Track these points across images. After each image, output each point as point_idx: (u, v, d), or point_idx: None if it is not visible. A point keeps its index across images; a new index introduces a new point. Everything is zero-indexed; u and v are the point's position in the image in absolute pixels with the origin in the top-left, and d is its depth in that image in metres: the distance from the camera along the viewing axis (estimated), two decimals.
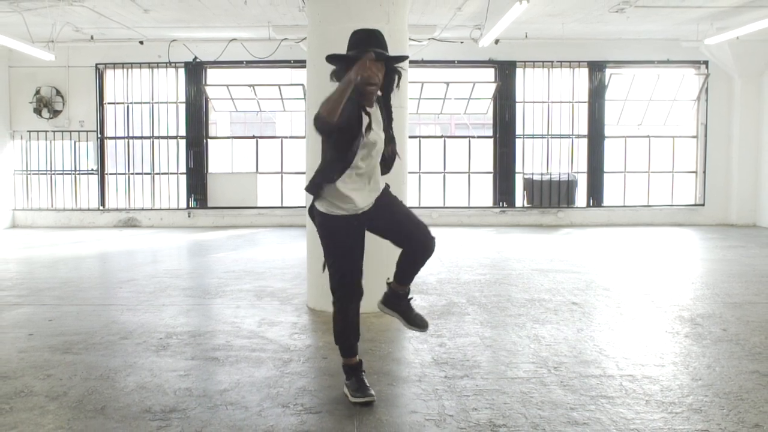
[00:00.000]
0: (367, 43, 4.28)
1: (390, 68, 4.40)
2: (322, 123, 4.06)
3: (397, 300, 4.71)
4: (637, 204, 16.75)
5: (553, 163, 16.50)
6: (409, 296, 4.73)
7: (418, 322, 4.70)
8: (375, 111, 4.44)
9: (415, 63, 14.23)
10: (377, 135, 4.43)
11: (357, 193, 4.43)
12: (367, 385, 4.63)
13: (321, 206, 4.49)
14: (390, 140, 4.57)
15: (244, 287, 8.66)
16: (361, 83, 4.15)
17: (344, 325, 4.65)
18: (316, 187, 4.47)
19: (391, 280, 4.72)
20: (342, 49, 6.97)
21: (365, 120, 4.34)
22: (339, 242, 4.52)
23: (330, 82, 4.37)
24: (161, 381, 5.03)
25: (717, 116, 16.34)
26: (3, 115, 16.16)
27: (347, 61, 4.25)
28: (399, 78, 4.48)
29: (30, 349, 5.89)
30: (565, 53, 15.89)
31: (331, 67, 4.41)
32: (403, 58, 4.49)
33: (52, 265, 10.49)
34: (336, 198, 4.42)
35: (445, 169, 16.40)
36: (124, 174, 16.72)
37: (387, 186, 4.67)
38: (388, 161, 4.64)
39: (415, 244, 4.53)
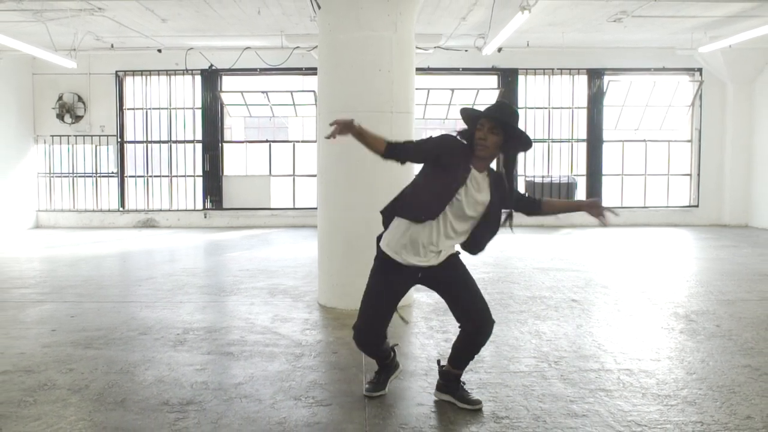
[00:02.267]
0: (483, 114, 4.13)
1: (511, 145, 4.20)
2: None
3: (450, 384, 4.49)
4: (634, 205, 16.71)
5: (554, 166, 16.48)
6: (462, 381, 4.53)
7: (472, 401, 4.40)
8: (482, 179, 4.22)
9: (421, 70, 14.20)
10: (470, 205, 4.17)
11: (419, 245, 4.18)
12: (383, 384, 4.63)
13: (382, 240, 4.31)
14: (490, 218, 4.28)
15: (258, 285, 8.67)
16: (478, 148, 4.12)
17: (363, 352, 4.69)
18: (388, 214, 4.34)
19: (444, 363, 4.56)
20: (347, 53, 6.97)
21: (462, 179, 4.13)
22: (376, 282, 4.34)
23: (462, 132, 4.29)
24: (179, 375, 5.04)
25: (710, 121, 16.31)
26: (27, 121, 16.22)
27: (470, 126, 4.20)
28: (514, 160, 4.33)
29: (53, 344, 5.91)
30: (565, 61, 15.87)
31: None
32: (518, 133, 4.19)
33: (73, 264, 10.52)
34: (395, 237, 4.23)
35: None
36: (143, 176, 16.75)
37: (457, 253, 4.40)
38: (478, 241, 4.35)
39: (470, 322, 4.32)
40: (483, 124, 4.10)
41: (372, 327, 4.37)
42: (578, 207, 4.31)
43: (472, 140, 4.15)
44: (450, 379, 4.49)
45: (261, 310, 7.21)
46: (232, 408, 4.35)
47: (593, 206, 4.30)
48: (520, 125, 4.22)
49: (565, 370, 5.11)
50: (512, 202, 4.37)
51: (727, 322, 6.61)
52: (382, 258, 4.31)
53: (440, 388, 4.53)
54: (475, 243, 4.34)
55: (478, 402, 4.38)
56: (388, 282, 4.31)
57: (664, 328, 6.39)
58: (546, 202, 4.43)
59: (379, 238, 4.37)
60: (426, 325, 6.46)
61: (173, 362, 5.37)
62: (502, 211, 4.35)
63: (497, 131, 4.09)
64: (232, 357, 5.54)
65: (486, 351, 5.64)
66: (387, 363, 4.69)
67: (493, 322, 4.35)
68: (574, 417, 4.18)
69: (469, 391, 4.50)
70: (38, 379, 4.92)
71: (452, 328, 6.31)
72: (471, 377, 4.91)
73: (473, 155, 4.16)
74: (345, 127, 4.07)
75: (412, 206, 4.19)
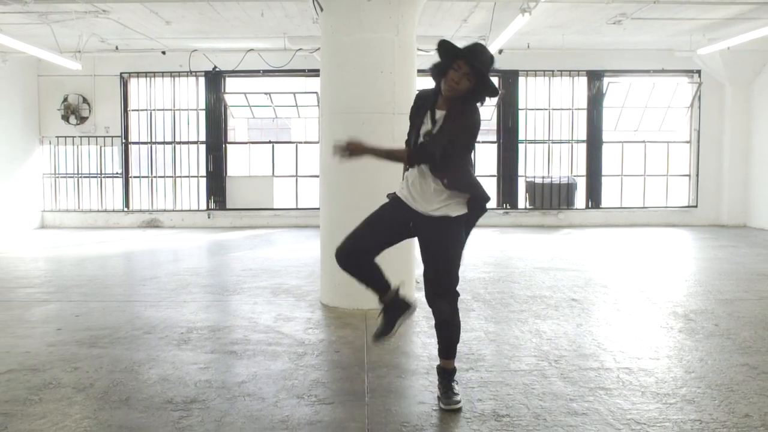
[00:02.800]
0: (464, 54, 4.09)
1: (479, 92, 4.20)
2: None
3: (441, 381, 4.42)
4: (633, 206, 16.72)
5: (554, 167, 16.47)
6: (454, 380, 4.40)
7: (447, 402, 4.29)
8: (442, 115, 4.23)
9: (422, 72, 14.17)
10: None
11: (410, 184, 4.29)
12: (389, 326, 4.43)
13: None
14: (435, 137, 4.19)
15: (261, 284, 8.67)
16: (446, 86, 4.13)
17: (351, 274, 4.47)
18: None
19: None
20: (349, 55, 6.98)
21: (429, 118, 4.25)
22: (379, 211, 4.40)
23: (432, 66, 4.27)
24: (182, 373, 5.04)
25: (709, 122, 16.30)
26: (33, 122, 16.23)
27: (445, 61, 4.15)
28: (481, 100, 4.28)
29: (58, 343, 5.92)
30: (565, 63, 15.87)
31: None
32: (489, 86, 4.21)
33: (78, 264, 10.52)
34: (402, 181, 4.39)
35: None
36: (147, 177, 16.77)
37: (454, 217, 4.27)
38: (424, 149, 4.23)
39: (425, 287, 4.32)
40: (461, 66, 4.07)
41: (353, 239, 4.32)
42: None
43: (444, 77, 4.14)
44: (440, 374, 4.44)
45: (264, 310, 7.22)
46: (235, 406, 4.36)
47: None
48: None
49: (565, 369, 5.11)
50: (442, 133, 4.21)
51: (726, 321, 6.61)
52: (391, 198, 4.43)
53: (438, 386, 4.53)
54: (438, 174, 4.22)
55: (455, 402, 4.27)
56: (385, 208, 4.39)
57: (663, 327, 6.39)
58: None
59: None
60: (427, 324, 6.44)
61: (177, 361, 5.37)
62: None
63: (471, 78, 4.09)
64: (235, 356, 5.54)
65: (487, 350, 5.65)
66: (388, 298, 4.45)
67: (445, 295, 4.26)
68: (574, 415, 4.18)
69: (456, 392, 4.35)
70: (43, 378, 4.93)
71: None
72: (472, 376, 4.91)
73: (440, 94, 4.21)
74: (356, 150, 4.26)
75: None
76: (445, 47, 4.16)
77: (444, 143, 4.13)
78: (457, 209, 4.27)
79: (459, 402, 4.30)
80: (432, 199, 4.24)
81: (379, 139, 6.83)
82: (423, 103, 4.33)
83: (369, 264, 4.38)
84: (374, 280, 4.44)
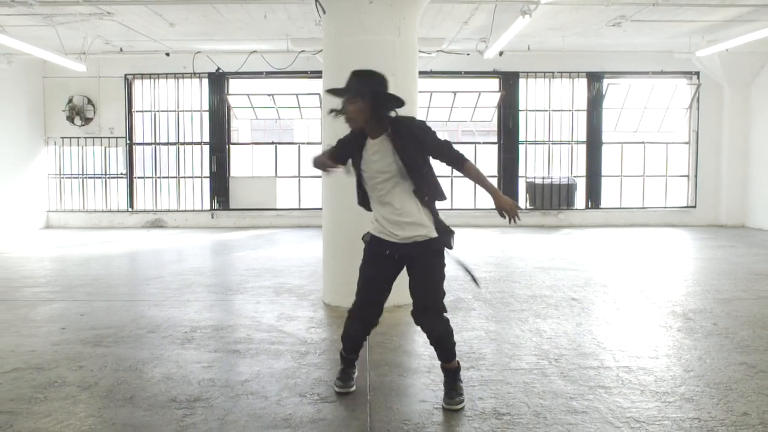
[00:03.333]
0: (349, 83, 4.31)
1: (381, 104, 4.28)
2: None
3: (445, 381, 4.46)
4: (632, 206, 16.73)
5: (554, 168, 16.49)
6: (459, 379, 4.46)
7: (451, 402, 4.30)
8: (381, 142, 4.26)
9: (424, 74, 14.23)
10: (379, 167, 4.25)
11: (382, 220, 4.34)
12: (350, 376, 4.66)
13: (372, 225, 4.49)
14: (410, 171, 4.21)
15: (264, 284, 8.67)
16: (348, 121, 4.29)
17: (344, 330, 4.62)
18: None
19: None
20: (351, 56, 6.98)
21: (364, 150, 4.32)
22: (365, 261, 4.45)
23: (328, 115, 4.44)
24: (186, 372, 5.04)
25: (708, 123, 16.31)
26: (38, 123, 16.26)
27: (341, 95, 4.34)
28: (390, 111, 4.34)
29: (63, 342, 5.92)
30: (565, 64, 15.89)
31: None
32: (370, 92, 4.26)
33: (83, 264, 10.52)
34: (375, 218, 4.42)
35: (452, 173, 16.30)
36: (151, 178, 16.79)
37: (434, 242, 4.32)
38: (425, 191, 4.27)
39: (413, 304, 4.37)
40: (347, 100, 4.28)
41: (363, 305, 4.45)
42: (493, 195, 4.26)
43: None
44: (444, 373, 4.47)
45: (267, 309, 7.22)
46: (238, 405, 4.36)
47: (506, 207, 4.26)
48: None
49: (565, 368, 5.10)
50: (431, 150, 4.30)
51: (724, 320, 6.60)
52: (368, 235, 4.47)
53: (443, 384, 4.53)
54: (424, 192, 4.28)
55: (457, 402, 4.31)
56: (373, 257, 4.41)
57: (662, 327, 6.38)
58: (467, 166, 4.27)
59: None
60: None
61: (181, 360, 5.37)
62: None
63: (352, 99, 4.23)
64: (238, 354, 5.54)
65: (488, 348, 5.65)
66: (351, 358, 4.71)
67: (431, 316, 4.33)
68: (574, 413, 4.18)
69: (460, 392, 4.39)
70: (49, 377, 4.93)
71: (454, 326, 6.26)
72: (473, 374, 4.91)
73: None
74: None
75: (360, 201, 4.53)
76: (333, 94, 4.45)
77: (440, 149, 4.29)
78: (433, 231, 4.35)
79: (462, 402, 4.31)
80: (406, 226, 4.29)
81: None
82: (350, 139, 4.44)
83: (367, 332, 4.64)
84: (357, 348, 4.70)
